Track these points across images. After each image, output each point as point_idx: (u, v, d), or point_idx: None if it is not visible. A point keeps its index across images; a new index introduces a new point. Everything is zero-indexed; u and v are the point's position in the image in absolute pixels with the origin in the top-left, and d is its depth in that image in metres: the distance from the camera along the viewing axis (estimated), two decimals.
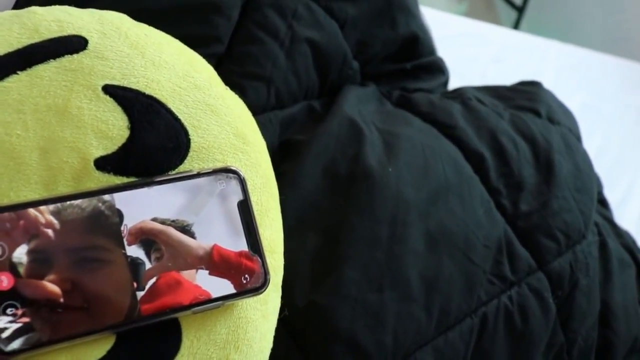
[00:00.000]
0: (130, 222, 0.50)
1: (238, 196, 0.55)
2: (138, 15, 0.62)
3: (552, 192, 0.86)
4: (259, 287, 0.54)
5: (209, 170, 0.54)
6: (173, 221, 0.51)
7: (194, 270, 0.51)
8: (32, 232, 0.46)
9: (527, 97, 1.04)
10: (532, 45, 1.68)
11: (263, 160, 0.61)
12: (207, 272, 0.52)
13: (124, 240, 0.49)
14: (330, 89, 0.92)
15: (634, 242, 1.07)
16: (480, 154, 0.87)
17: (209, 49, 0.78)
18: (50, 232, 0.47)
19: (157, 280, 0.50)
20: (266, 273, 0.54)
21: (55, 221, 0.47)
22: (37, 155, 0.49)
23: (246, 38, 0.82)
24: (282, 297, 0.61)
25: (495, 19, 2.79)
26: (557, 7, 2.68)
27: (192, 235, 0.52)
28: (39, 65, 0.52)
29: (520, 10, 2.69)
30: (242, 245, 0.54)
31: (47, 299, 0.46)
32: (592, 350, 0.85)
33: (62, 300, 0.46)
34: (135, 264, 0.49)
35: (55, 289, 0.46)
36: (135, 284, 0.49)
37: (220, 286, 0.52)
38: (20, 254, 0.45)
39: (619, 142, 1.60)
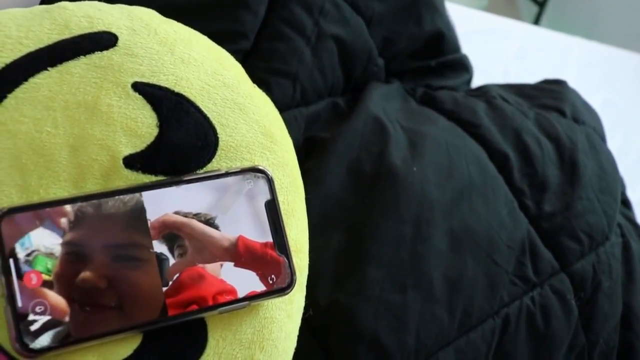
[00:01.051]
0: (153, 217, 0.50)
1: (265, 196, 0.55)
2: (166, 10, 0.61)
3: (576, 193, 0.86)
4: (285, 288, 0.53)
5: (237, 170, 0.54)
6: (196, 215, 0.51)
7: (218, 265, 0.51)
8: (61, 229, 0.46)
9: (552, 96, 1.03)
10: (555, 42, 1.67)
11: (290, 159, 0.60)
12: (233, 264, 0.52)
13: (151, 237, 0.49)
14: (354, 85, 0.92)
15: None
16: (504, 153, 0.86)
17: (236, 45, 0.78)
18: (83, 229, 0.47)
19: (180, 274, 0.50)
20: (293, 273, 0.54)
21: (90, 217, 0.47)
22: (66, 153, 0.49)
23: (272, 34, 0.82)
24: (306, 296, 0.61)
25: (515, 14, 2.77)
26: (578, 2, 2.65)
27: (216, 228, 0.52)
28: (70, 61, 0.52)
29: (542, 5, 2.67)
30: (268, 240, 0.54)
31: (77, 297, 0.46)
32: (613, 352, 0.85)
33: (93, 298, 0.46)
34: (160, 259, 0.50)
35: (86, 285, 0.46)
36: (160, 280, 0.49)
37: (246, 280, 0.52)
38: (50, 250, 0.46)
39: None
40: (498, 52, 1.51)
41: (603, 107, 1.54)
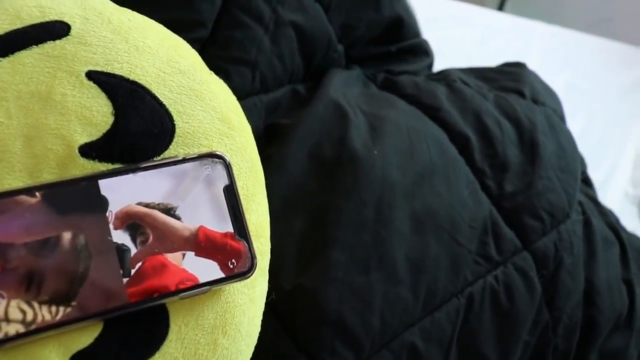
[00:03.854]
0: (115, 207, 0.50)
1: (224, 181, 0.55)
2: (120, 0, 0.61)
3: (537, 172, 0.87)
4: (246, 272, 0.54)
5: (194, 156, 0.54)
6: (158, 204, 0.52)
7: (180, 255, 0.52)
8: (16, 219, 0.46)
9: (511, 78, 1.04)
10: (517, 27, 1.69)
11: (249, 145, 0.61)
12: (193, 253, 0.52)
13: (110, 226, 0.49)
14: (315, 72, 0.92)
15: (617, 220, 1.08)
16: (465, 135, 0.87)
17: (193, 34, 0.78)
18: (35, 219, 0.47)
19: (142, 263, 0.50)
20: (253, 257, 0.54)
21: (41, 208, 0.47)
22: (20, 143, 0.49)
23: (230, 22, 0.82)
24: (269, 281, 0.61)
25: (480, 1, 2.78)
26: None
27: (177, 218, 0.52)
28: (22, 51, 0.51)
29: None
30: (228, 229, 0.54)
31: (32, 287, 0.46)
32: (577, 327, 0.86)
33: (48, 288, 0.46)
34: (121, 250, 0.50)
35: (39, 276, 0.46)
36: (121, 270, 0.49)
37: (207, 269, 0.52)
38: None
39: (603, 121, 1.61)
40: (461, 37, 1.52)
41: (566, 89, 1.57)
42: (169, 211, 0.52)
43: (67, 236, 0.48)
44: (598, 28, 2.07)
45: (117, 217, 0.50)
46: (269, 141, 0.79)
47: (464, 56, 1.48)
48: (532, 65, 1.13)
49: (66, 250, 0.47)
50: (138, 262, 0.50)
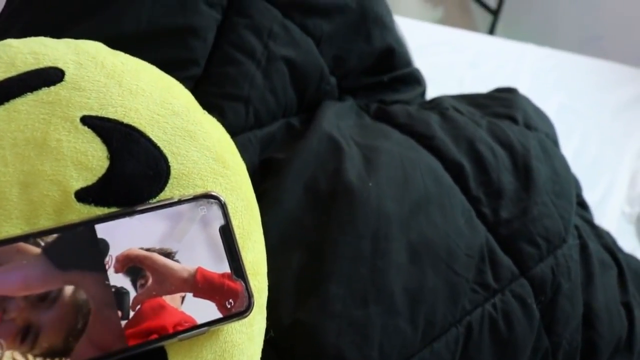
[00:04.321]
0: (114, 251, 0.50)
1: (220, 221, 0.55)
2: (114, 41, 0.62)
3: (532, 198, 0.87)
4: (244, 311, 0.54)
5: (189, 197, 0.54)
6: (157, 249, 0.52)
7: (179, 298, 0.52)
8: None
9: (503, 104, 1.05)
10: (508, 50, 1.70)
11: (243, 183, 0.61)
12: (192, 294, 0.52)
13: (109, 270, 0.50)
14: (308, 105, 0.93)
15: (614, 242, 1.08)
16: (459, 163, 0.88)
17: (186, 72, 0.79)
18: (35, 271, 0.47)
19: (141, 306, 0.50)
20: (250, 297, 0.54)
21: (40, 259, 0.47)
22: (17, 190, 0.49)
23: (223, 59, 0.82)
24: (268, 317, 0.61)
25: (470, 23, 2.81)
26: (532, 8, 2.70)
27: (176, 261, 0.52)
28: (17, 99, 0.52)
29: (495, 13, 2.71)
30: (225, 269, 0.54)
31: (28, 340, 0.46)
32: (577, 352, 0.86)
33: (44, 341, 0.46)
34: (120, 293, 0.50)
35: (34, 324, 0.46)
36: (120, 314, 0.49)
37: (205, 310, 0.52)
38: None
39: (597, 141, 1.62)
40: (452, 62, 1.53)
41: (559, 110, 1.57)
42: (168, 255, 0.52)
43: (67, 291, 0.48)
44: (588, 47, 2.09)
45: (117, 261, 0.50)
46: (264, 176, 0.79)
47: (455, 81, 1.49)
48: (524, 87, 1.15)
49: (66, 304, 0.47)
50: (138, 304, 0.50)
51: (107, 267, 0.49)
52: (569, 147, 1.47)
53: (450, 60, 1.53)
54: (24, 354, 0.46)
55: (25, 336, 0.46)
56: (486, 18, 2.77)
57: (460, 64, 1.55)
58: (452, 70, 1.51)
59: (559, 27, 2.58)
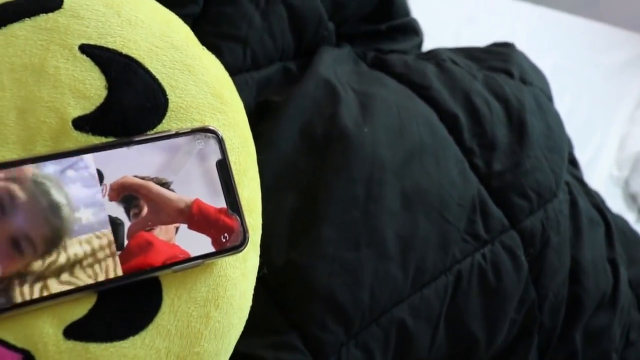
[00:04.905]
0: (110, 180, 0.50)
1: (217, 155, 0.55)
2: None
3: (525, 151, 0.88)
4: (239, 246, 0.54)
5: (187, 130, 0.54)
6: (153, 178, 0.52)
7: (173, 229, 0.52)
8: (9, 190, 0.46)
9: (500, 58, 1.04)
10: (505, 7, 1.69)
11: (241, 120, 0.61)
12: (186, 226, 0.52)
13: (105, 198, 0.50)
14: (305, 50, 0.92)
15: (602, 201, 1.09)
16: (454, 114, 0.87)
17: (185, 9, 0.78)
18: (29, 191, 0.47)
19: (129, 241, 0.50)
20: (245, 231, 0.54)
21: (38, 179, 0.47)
22: (14, 115, 0.49)
23: None
24: (261, 257, 0.62)
25: None
26: None
27: (172, 191, 0.52)
28: (14, 24, 0.51)
29: None
30: (221, 204, 0.54)
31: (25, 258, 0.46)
32: (562, 305, 0.87)
33: (41, 259, 0.46)
34: (115, 223, 0.50)
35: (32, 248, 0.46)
36: (115, 243, 0.49)
37: (200, 243, 0.53)
38: None
39: (589, 103, 1.62)
40: (449, 17, 1.52)
41: (553, 70, 1.57)
42: (164, 185, 0.52)
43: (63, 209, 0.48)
44: (583, 10, 2.07)
45: (112, 189, 0.50)
46: (260, 118, 0.79)
47: (452, 36, 1.48)
48: (520, 45, 1.14)
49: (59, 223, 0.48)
50: (134, 233, 0.50)
51: (102, 195, 0.49)
52: (561, 108, 1.46)
53: (446, 15, 1.52)
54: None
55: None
56: None
57: (456, 19, 1.54)
58: (449, 25, 1.50)
59: None
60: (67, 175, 0.49)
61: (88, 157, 0.50)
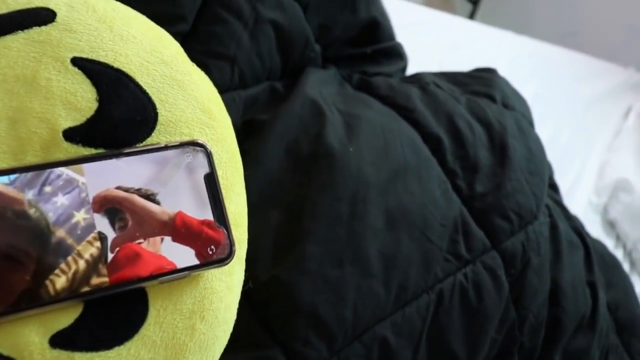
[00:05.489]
0: (95, 191, 0.51)
1: (205, 169, 0.56)
2: None
3: (506, 174, 0.89)
4: (225, 258, 0.54)
5: (176, 143, 0.55)
6: (138, 190, 0.52)
7: (159, 240, 0.52)
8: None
9: (482, 83, 1.06)
10: (488, 36, 1.72)
11: (228, 136, 0.62)
12: (170, 238, 0.53)
13: (90, 210, 0.50)
14: (292, 70, 0.94)
15: (582, 226, 1.11)
16: (437, 136, 0.89)
17: (175, 28, 0.79)
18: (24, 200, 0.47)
19: (117, 253, 0.51)
20: (232, 244, 0.55)
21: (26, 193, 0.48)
22: (5, 125, 0.50)
23: (211, 18, 0.83)
24: (246, 272, 0.62)
25: (451, 11, 2.83)
26: (510, 1, 2.73)
27: (157, 204, 0.53)
28: (7, 36, 0.52)
29: (475, 3, 2.73)
30: (208, 217, 0.55)
31: (13, 266, 0.46)
32: (542, 326, 0.88)
33: (29, 267, 0.47)
34: (100, 238, 0.50)
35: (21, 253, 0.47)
36: (102, 255, 0.50)
37: (185, 255, 0.53)
38: None
39: (569, 131, 1.64)
40: (433, 44, 1.55)
41: (534, 98, 1.59)
42: (149, 197, 0.53)
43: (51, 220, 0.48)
44: (564, 41, 2.11)
45: (95, 201, 0.50)
46: (246, 136, 0.80)
47: (436, 62, 1.50)
48: (502, 73, 1.16)
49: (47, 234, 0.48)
50: (116, 247, 0.51)
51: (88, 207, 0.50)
52: (542, 135, 1.48)
53: (431, 42, 1.54)
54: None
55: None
56: (466, 7, 2.79)
57: (440, 46, 1.56)
58: (433, 52, 1.52)
59: (536, 21, 2.61)
60: (53, 187, 0.49)
61: (75, 170, 0.50)
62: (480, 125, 0.94)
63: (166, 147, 0.54)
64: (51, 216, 0.49)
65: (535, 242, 0.89)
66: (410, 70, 1.17)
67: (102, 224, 0.50)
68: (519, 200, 0.89)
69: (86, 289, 0.49)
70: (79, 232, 0.49)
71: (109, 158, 0.52)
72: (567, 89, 1.75)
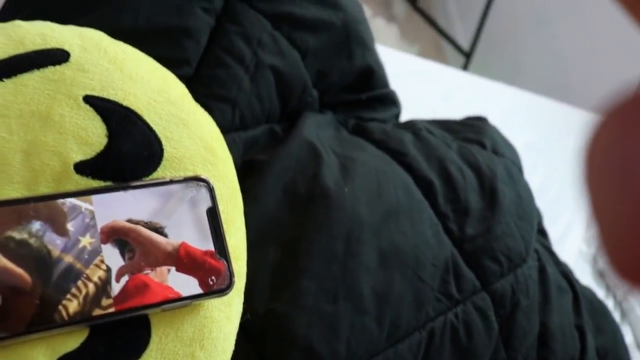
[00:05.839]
0: (103, 221, 0.53)
1: (207, 203, 0.58)
2: (112, 35, 0.65)
3: (496, 218, 0.92)
4: (225, 289, 0.57)
5: (180, 178, 0.58)
6: (146, 223, 0.55)
7: (166, 271, 0.55)
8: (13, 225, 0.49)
9: (473, 130, 1.10)
10: (480, 86, 1.76)
11: (230, 173, 0.65)
12: (174, 268, 0.55)
13: (99, 241, 0.52)
14: (290, 114, 0.97)
15: (571, 272, 1.13)
16: (429, 180, 0.92)
17: (179, 71, 0.82)
18: (36, 228, 0.50)
19: (126, 283, 0.53)
20: (232, 275, 0.57)
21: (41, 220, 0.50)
22: (20, 157, 0.52)
23: (213, 62, 0.86)
24: (244, 305, 0.64)
25: (444, 63, 2.89)
26: (503, 54, 2.79)
27: (164, 235, 0.55)
28: (24, 74, 0.55)
29: (468, 55, 2.79)
30: (209, 248, 0.57)
31: (22, 288, 0.49)
32: None
33: (38, 294, 0.49)
34: (108, 269, 0.53)
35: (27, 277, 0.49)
36: (108, 283, 0.52)
37: (188, 285, 0.55)
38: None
39: (559, 180, 1.67)
40: (426, 93, 1.58)
41: (525, 148, 1.62)
42: (157, 230, 0.55)
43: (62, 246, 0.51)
44: (555, 94, 2.16)
45: (102, 232, 0.53)
46: (246, 175, 0.83)
47: (428, 111, 1.53)
48: (493, 123, 1.19)
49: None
50: (124, 274, 0.53)
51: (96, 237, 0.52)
52: (532, 184, 1.52)
53: (423, 91, 1.58)
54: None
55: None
56: (459, 60, 2.85)
57: (433, 96, 1.60)
58: (425, 101, 1.56)
59: (527, 74, 2.67)
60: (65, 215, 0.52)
61: (80, 199, 0.53)
62: (470, 170, 0.97)
63: (171, 182, 0.57)
64: (58, 243, 0.51)
65: (524, 284, 0.91)
66: (404, 117, 1.20)
67: (112, 253, 0.53)
68: (509, 244, 0.91)
69: (97, 312, 0.51)
70: (86, 256, 0.52)
71: (116, 190, 0.55)
72: (558, 140, 1.79)
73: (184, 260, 0.56)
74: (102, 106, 0.57)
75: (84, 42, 0.60)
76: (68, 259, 0.51)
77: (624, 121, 0.18)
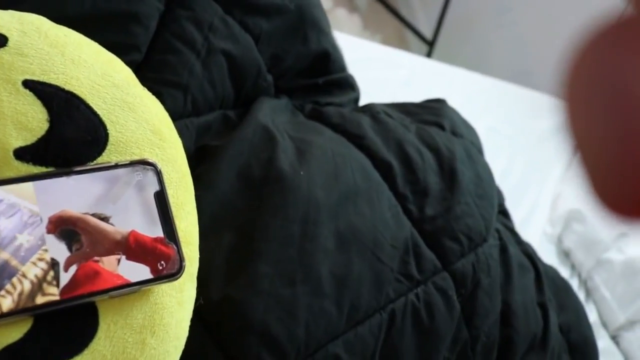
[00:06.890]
0: (49, 210, 0.52)
1: (154, 187, 0.57)
2: (57, 21, 0.64)
3: (455, 198, 0.92)
4: (175, 274, 0.56)
5: (126, 162, 0.56)
6: (92, 214, 0.54)
7: (115, 261, 0.53)
8: None
9: (432, 112, 1.10)
10: (441, 72, 1.76)
11: (179, 157, 0.63)
12: (125, 257, 0.54)
13: (44, 230, 0.51)
14: (245, 99, 0.96)
15: (533, 250, 1.13)
16: (388, 162, 0.91)
17: (127, 57, 0.80)
18: None
19: (76, 271, 0.52)
20: (182, 260, 0.56)
21: None
22: None
23: (164, 47, 0.85)
24: (198, 292, 0.63)
25: (407, 51, 2.89)
26: (466, 42, 2.80)
27: (110, 224, 0.54)
28: None
29: (431, 44, 2.80)
30: (158, 233, 0.56)
31: None
32: (494, 346, 0.90)
33: None
34: (52, 264, 0.51)
35: None
36: (53, 273, 0.51)
37: (138, 272, 0.54)
38: None
39: (522, 164, 1.68)
40: (386, 79, 1.58)
41: (487, 133, 1.63)
42: (102, 219, 0.54)
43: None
44: (516, 77, 2.17)
45: (50, 222, 0.52)
46: (199, 161, 0.82)
47: (388, 97, 1.53)
48: (455, 108, 1.19)
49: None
50: (72, 264, 0.52)
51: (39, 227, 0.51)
52: (495, 168, 1.52)
53: (384, 77, 1.57)
54: None
55: None
56: (422, 48, 2.85)
57: (393, 82, 1.60)
58: (386, 87, 1.55)
59: (490, 61, 2.68)
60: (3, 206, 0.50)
61: (21, 195, 0.51)
62: (429, 151, 0.97)
63: (116, 166, 0.56)
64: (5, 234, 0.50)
65: (485, 263, 0.91)
66: (364, 103, 1.19)
67: (58, 244, 0.52)
68: (469, 223, 0.91)
69: (39, 301, 0.50)
70: (22, 253, 0.50)
71: (59, 176, 0.53)
72: (521, 123, 1.79)
73: (134, 249, 0.55)
74: (42, 90, 0.55)
75: (23, 26, 0.58)
76: (3, 255, 0.50)
77: (616, 40, 0.17)
